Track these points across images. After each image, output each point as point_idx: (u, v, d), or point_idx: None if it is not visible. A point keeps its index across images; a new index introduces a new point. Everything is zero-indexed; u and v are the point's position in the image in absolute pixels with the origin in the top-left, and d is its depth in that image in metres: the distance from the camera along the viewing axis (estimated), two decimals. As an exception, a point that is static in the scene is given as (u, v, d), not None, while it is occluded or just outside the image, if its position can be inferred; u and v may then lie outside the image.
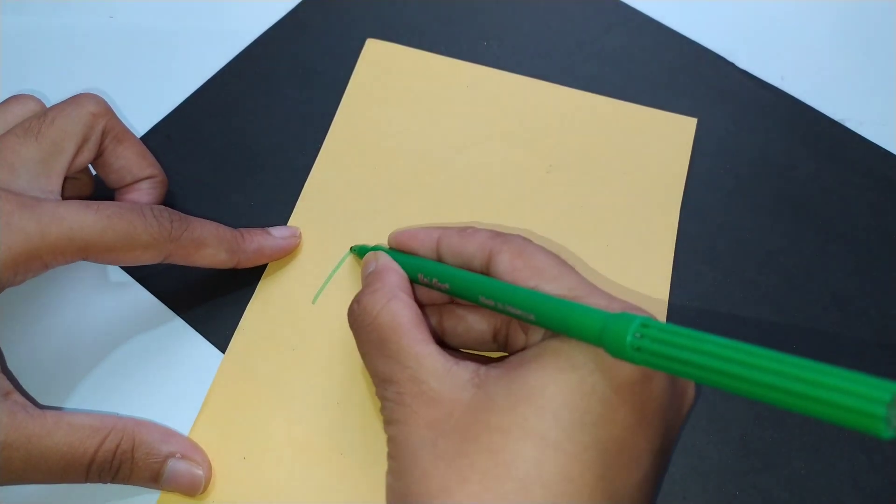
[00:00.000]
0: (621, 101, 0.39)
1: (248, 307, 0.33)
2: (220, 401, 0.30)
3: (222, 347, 0.32)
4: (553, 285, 0.23)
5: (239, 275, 0.33)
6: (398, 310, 0.24)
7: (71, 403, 0.31)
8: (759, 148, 0.38)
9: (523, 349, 0.24)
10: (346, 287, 0.33)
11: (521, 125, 0.38)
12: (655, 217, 0.35)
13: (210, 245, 0.30)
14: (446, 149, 0.37)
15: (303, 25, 0.42)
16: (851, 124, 0.39)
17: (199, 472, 0.28)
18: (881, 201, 0.37)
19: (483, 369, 0.23)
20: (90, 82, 0.39)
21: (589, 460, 0.20)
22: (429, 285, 0.26)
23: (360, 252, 0.30)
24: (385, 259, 0.27)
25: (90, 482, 0.26)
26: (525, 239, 0.25)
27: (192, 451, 0.28)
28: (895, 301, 0.34)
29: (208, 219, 0.30)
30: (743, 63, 0.41)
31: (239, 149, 0.37)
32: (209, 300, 0.33)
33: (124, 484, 0.27)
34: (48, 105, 0.31)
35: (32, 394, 0.30)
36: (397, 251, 0.28)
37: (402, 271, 0.27)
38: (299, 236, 0.34)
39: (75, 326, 0.32)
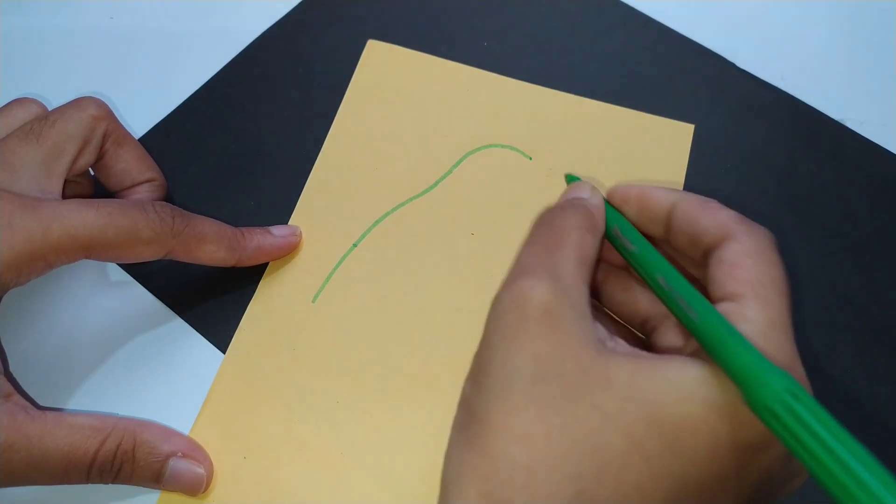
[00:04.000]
0: (619, 107, 0.39)
1: (248, 307, 0.33)
2: (221, 400, 0.30)
3: (222, 347, 0.32)
4: (752, 305, 0.20)
5: (239, 274, 0.33)
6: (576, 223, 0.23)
7: (72, 403, 0.31)
8: (759, 148, 0.38)
9: (665, 350, 0.23)
10: (346, 287, 0.33)
11: (520, 129, 0.38)
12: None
13: (211, 241, 0.30)
14: (446, 151, 0.37)
15: (303, 25, 0.42)
16: (851, 124, 0.39)
17: (201, 470, 0.28)
18: (881, 201, 0.37)
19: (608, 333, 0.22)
20: (90, 82, 0.39)
21: (664, 489, 0.18)
22: (614, 240, 0.24)
23: (570, 179, 0.27)
24: (598, 200, 0.25)
25: (91, 483, 0.26)
26: (770, 237, 0.22)
27: (193, 450, 0.28)
28: (895, 301, 0.34)
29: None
30: (743, 63, 0.41)
31: (239, 149, 0.37)
32: (209, 300, 0.33)
33: (126, 484, 0.27)
34: (50, 108, 0.31)
35: (33, 394, 0.30)
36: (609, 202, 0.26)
37: (603, 218, 0.25)
38: (299, 235, 0.34)
39: (76, 326, 0.32)
